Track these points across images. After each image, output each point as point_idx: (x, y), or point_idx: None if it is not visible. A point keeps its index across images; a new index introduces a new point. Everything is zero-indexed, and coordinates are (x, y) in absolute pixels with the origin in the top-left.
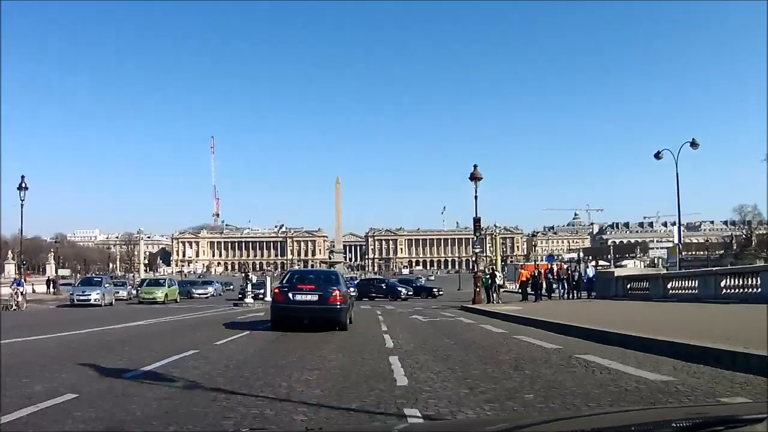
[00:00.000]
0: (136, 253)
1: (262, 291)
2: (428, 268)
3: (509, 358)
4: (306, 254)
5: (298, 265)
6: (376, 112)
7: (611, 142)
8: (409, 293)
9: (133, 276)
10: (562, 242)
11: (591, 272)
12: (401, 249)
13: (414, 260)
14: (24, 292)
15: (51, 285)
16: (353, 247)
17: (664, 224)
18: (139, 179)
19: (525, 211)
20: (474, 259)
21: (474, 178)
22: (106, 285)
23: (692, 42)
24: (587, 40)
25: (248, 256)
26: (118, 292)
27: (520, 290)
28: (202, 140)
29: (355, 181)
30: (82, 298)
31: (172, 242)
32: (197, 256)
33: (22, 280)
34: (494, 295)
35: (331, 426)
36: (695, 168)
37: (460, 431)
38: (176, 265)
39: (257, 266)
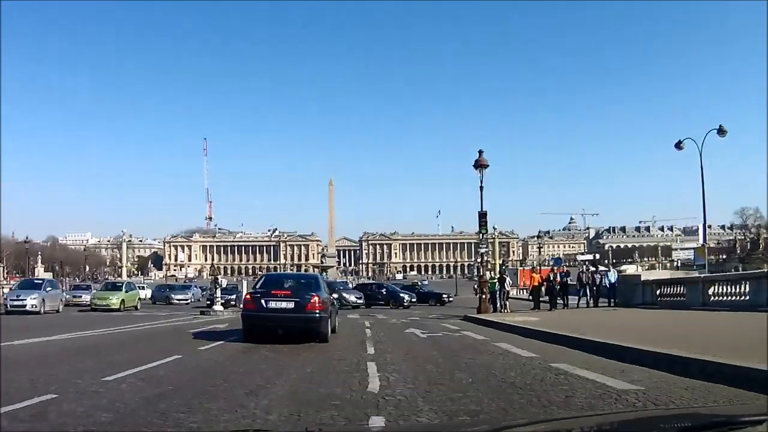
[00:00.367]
0: (119, 256)
1: (233, 297)
2: (423, 273)
3: (575, 413)
4: (299, 258)
5: (292, 269)
6: (372, 116)
7: (607, 146)
8: (413, 300)
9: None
10: (558, 247)
11: (613, 277)
12: (395, 253)
13: (408, 265)
14: None
15: None
16: (347, 252)
17: (661, 228)
18: (132, 182)
19: (520, 216)
20: (480, 261)
21: (479, 165)
22: (48, 289)
23: (691, 44)
24: (583, 42)
25: (241, 260)
26: (79, 297)
27: (530, 297)
28: (195, 142)
29: (349, 186)
30: (16, 303)
31: (164, 246)
32: (189, 260)
33: None
34: (502, 302)
35: (332, 427)
36: (691, 172)
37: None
38: (168, 270)
39: (250, 270)
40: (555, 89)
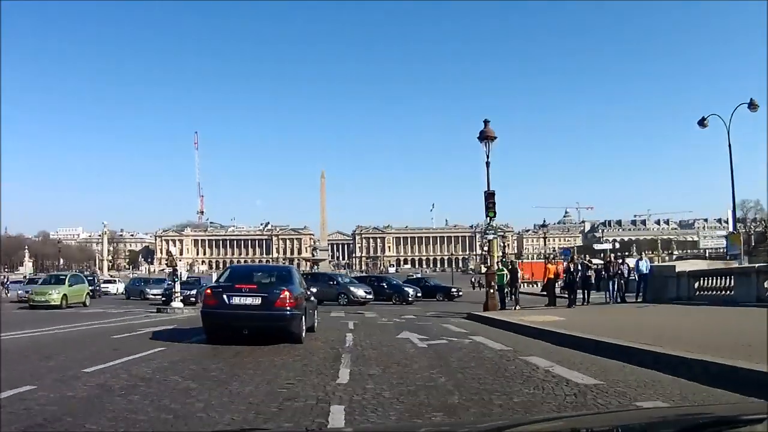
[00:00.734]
0: (101, 250)
1: (194, 292)
2: (417, 266)
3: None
4: (292, 252)
5: (284, 263)
6: (366, 110)
7: (600, 140)
8: (418, 295)
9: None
10: (554, 240)
11: (645, 267)
12: (389, 247)
13: (402, 259)
14: None
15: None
16: (340, 246)
17: (657, 222)
18: (124, 177)
19: (513, 210)
20: (486, 249)
21: (485, 137)
22: None
23: (688, 38)
24: (580, 39)
25: (233, 254)
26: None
27: (543, 292)
28: (187, 136)
29: (343, 181)
30: None
31: (156, 240)
32: (181, 254)
33: None
34: (514, 297)
35: (332, 426)
36: (685, 167)
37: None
38: (159, 264)
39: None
40: (549, 86)
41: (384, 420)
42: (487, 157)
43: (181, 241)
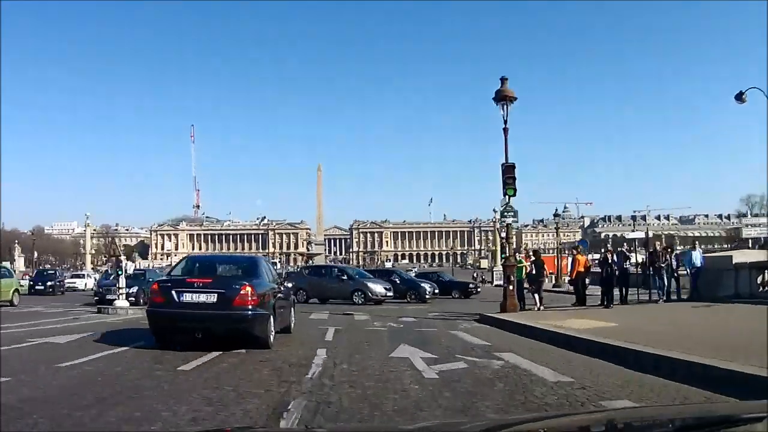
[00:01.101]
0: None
1: (134, 290)
2: (414, 261)
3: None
4: (288, 247)
5: (280, 258)
6: (363, 104)
7: (599, 136)
8: (436, 292)
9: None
10: (553, 235)
11: (699, 259)
12: (386, 242)
13: (400, 253)
14: None
15: None
16: (337, 241)
17: (657, 218)
18: (120, 171)
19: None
20: (504, 236)
21: (502, 98)
22: None
23: (688, 34)
24: (579, 32)
25: (229, 249)
26: None
27: (571, 288)
28: (183, 130)
29: (341, 176)
30: None
31: (151, 235)
32: (176, 248)
33: None
34: (538, 296)
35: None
36: (682, 162)
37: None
38: (155, 258)
39: None
40: (548, 86)
41: None
42: (505, 122)
43: (176, 236)
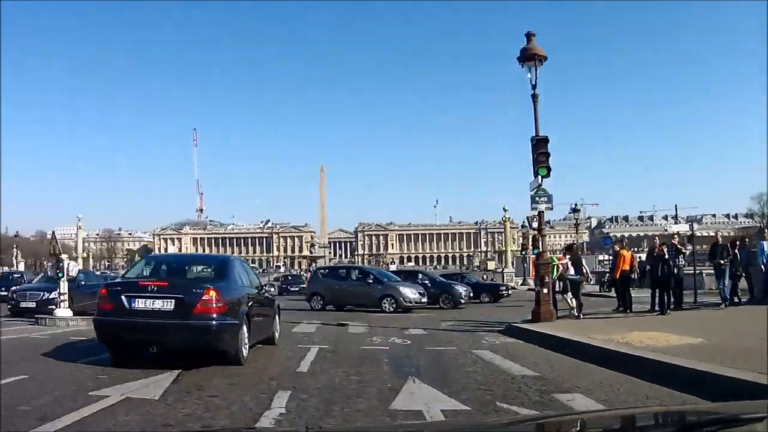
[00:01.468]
0: (74, 247)
1: (51, 296)
2: (420, 264)
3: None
4: (293, 250)
5: (284, 261)
6: (367, 105)
7: (603, 137)
8: (470, 295)
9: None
10: (560, 237)
11: None
12: (392, 244)
13: (405, 256)
14: None
15: None
16: (342, 244)
17: (665, 217)
18: (123, 175)
19: (514, 207)
20: (536, 227)
21: (530, 56)
22: None
23: (691, 34)
24: (585, 31)
25: (232, 252)
26: None
27: (610, 289)
28: (186, 134)
29: (345, 178)
30: None
31: (154, 239)
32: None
33: None
34: (577, 302)
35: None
36: (685, 162)
37: (442, 430)
38: None
39: None
40: (548, 83)
41: None
42: (534, 86)
43: (180, 240)
